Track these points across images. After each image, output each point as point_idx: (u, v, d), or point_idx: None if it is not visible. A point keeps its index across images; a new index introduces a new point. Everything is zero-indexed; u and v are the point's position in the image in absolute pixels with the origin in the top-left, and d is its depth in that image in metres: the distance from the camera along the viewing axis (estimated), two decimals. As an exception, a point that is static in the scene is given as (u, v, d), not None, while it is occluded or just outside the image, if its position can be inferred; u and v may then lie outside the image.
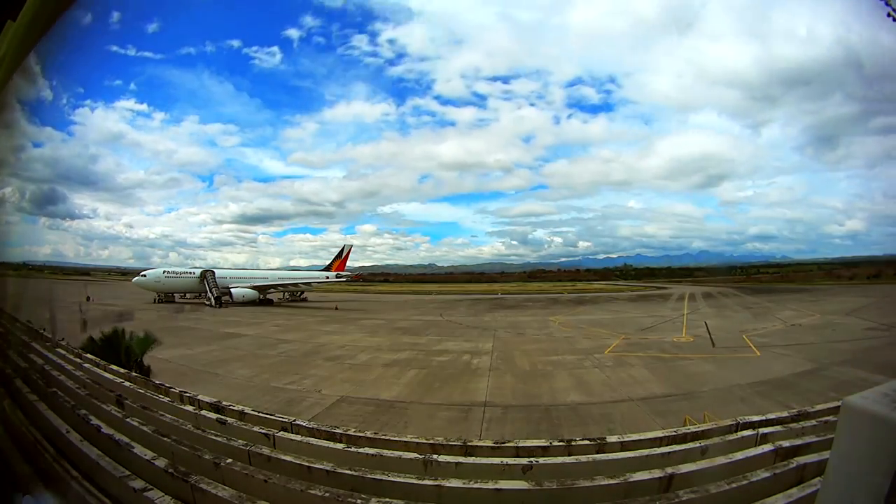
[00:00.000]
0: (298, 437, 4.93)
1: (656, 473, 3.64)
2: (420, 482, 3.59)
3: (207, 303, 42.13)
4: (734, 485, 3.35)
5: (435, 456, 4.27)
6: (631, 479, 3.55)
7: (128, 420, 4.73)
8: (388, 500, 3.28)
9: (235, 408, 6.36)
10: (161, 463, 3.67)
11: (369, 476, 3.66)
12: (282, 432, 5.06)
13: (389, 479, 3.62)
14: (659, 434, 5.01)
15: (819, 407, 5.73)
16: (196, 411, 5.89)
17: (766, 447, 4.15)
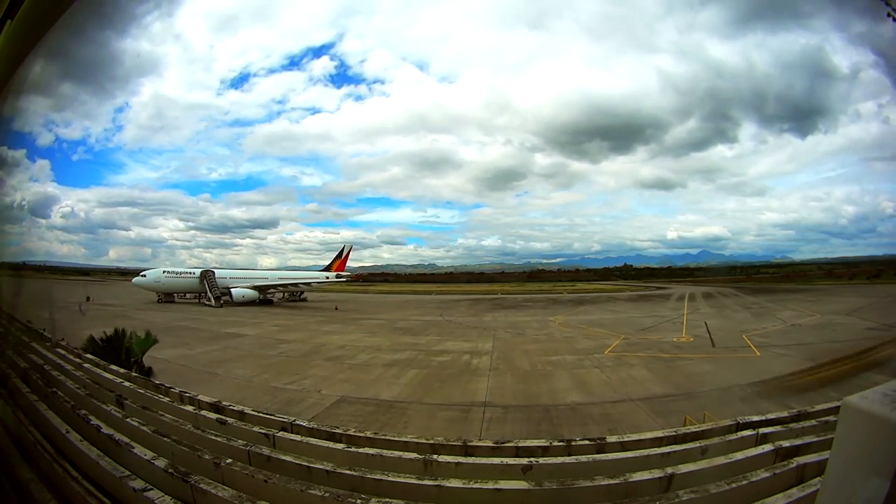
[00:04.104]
0: (298, 438, 4.93)
1: (656, 473, 3.64)
2: (420, 482, 3.59)
3: (207, 302, 42.14)
4: (734, 485, 3.34)
5: (435, 456, 4.27)
6: (631, 479, 3.55)
7: (128, 420, 4.73)
8: (388, 500, 3.27)
9: (235, 408, 6.35)
10: (161, 463, 3.67)
11: (369, 476, 3.66)
12: (282, 432, 5.06)
13: (389, 479, 3.62)
14: (659, 434, 5.01)
15: (819, 407, 5.72)
16: (196, 411, 5.89)
17: (766, 447, 4.15)
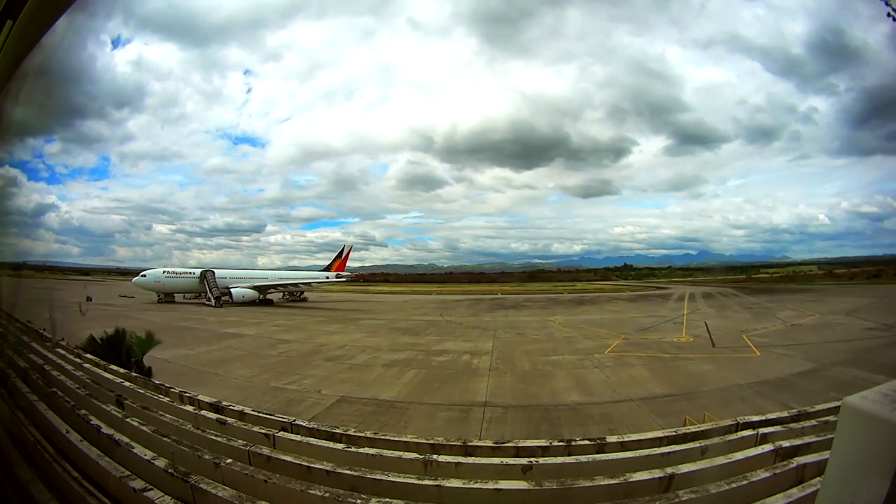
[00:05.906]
0: (298, 437, 4.93)
1: (656, 473, 3.64)
2: (420, 482, 3.59)
3: (208, 303, 42.14)
4: (734, 485, 3.35)
5: (435, 456, 4.27)
6: (631, 479, 3.55)
7: (128, 420, 4.72)
8: (388, 500, 3.28)
9: (235, 408, 6.35)
10: (161, 463, 3.67)
11: (369, 476, 3.66)
12: (282, 432, 5.06)
13: (389, 479, 3.62)
14: (659, 434, 5.01)
15: (819, 407, 5.72)
16: (196, 411, 5.89)
17: (766, 447, 4.15)
